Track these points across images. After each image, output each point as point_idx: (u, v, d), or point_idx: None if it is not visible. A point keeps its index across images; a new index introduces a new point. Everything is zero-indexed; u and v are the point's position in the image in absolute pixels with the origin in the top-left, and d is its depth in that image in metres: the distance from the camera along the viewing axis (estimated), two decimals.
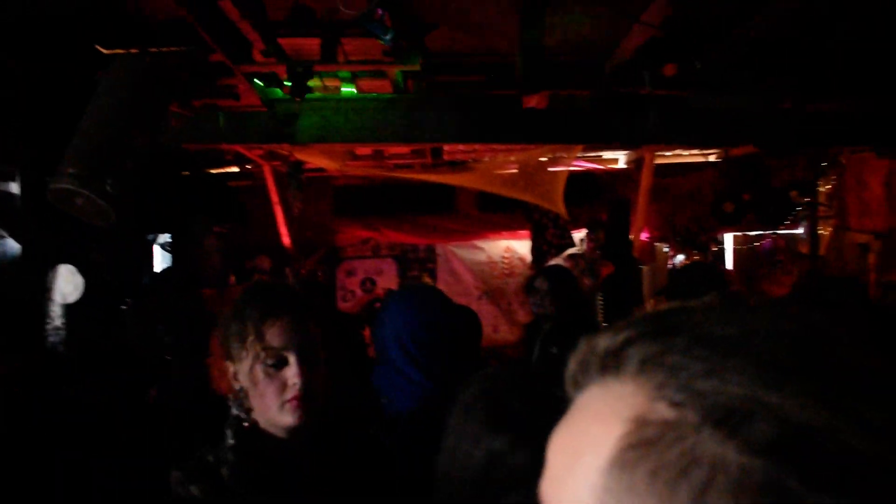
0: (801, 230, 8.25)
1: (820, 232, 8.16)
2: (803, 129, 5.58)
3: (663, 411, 0.42)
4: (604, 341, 0.48)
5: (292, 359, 1.58)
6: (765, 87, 5.15)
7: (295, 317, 1.62)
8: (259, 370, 1.58)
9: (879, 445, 0.37)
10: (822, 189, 8.11)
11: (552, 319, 3.23)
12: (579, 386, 0.50)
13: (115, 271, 5.38)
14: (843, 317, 0.46)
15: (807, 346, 0.42)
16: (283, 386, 1.58)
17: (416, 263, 8.93)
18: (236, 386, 1.62)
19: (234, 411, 1.62)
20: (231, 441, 1.60)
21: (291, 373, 1.58)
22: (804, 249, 8.24)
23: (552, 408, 0.53)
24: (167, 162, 6.15)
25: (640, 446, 0.42)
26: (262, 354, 1.57)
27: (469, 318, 2.79)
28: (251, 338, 1.58)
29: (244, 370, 1.60)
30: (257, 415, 1.61)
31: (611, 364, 0.47)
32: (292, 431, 1.60)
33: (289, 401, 1.57)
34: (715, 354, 0.42)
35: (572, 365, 0.51)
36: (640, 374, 0.45)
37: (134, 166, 3.30)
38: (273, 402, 1.58)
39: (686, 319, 0.46)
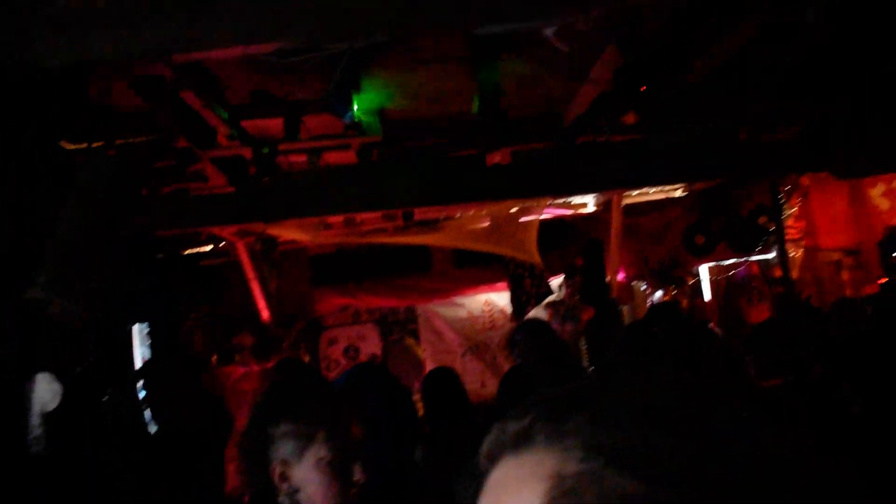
0: (773, 255, 8.37)
1: (792, 254, 8.27)
2: (761, 158, 5.71)
3: (575, 466, 0.54)
4: (513, 425, 0.60)
5: (358, 460, 1.60)
6: (719, 121, 5.30)
7: (359, 417, 1.64)
8: (323, 470, 1.57)
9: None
10: (788, 212, 8.25)
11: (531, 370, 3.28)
12: (494, 460, 0.61)
13: (97, 368, 5.33)
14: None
15: (654, 408, 0.56)
16: (348, 484, 1.58)
17: (398, 326, 8.93)
18: (284, 486, 1.59)
19: None
20: None
21: (357, 473, 1.59)
22: (778, 273, 8.34)
23: None
24: (140, 248, 6.16)
25: (565, 494, 0.53)
26: (330, 455, 1.57)
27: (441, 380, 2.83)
28: (320, 440, 1.58)
29: (302, 469, 1.58)
30: None
31: (522, 441, 0.58)
32: None
33: (351, 497, 1.58)
34: (601, 420, 0.55)
35: (487, 444, 0.63)
36: (549, 445, 0.56)
37: (110, 266, 3.31)
38: (333, 500, 1.57)
39: (574, 398, 0.59)
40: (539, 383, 2.97)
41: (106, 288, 3.23)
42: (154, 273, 6.53)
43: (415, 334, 8.84)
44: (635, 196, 7.93)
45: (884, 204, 8.26)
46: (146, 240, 6.23)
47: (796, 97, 5.22)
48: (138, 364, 6.78)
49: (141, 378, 6.34)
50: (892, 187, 8.18)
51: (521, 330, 3.69)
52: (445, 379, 3.28)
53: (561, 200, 7.69)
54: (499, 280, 8.58)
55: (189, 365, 6.73)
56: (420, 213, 7.40)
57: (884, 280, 7.29)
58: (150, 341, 6.78)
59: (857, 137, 5.78)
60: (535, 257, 7.21)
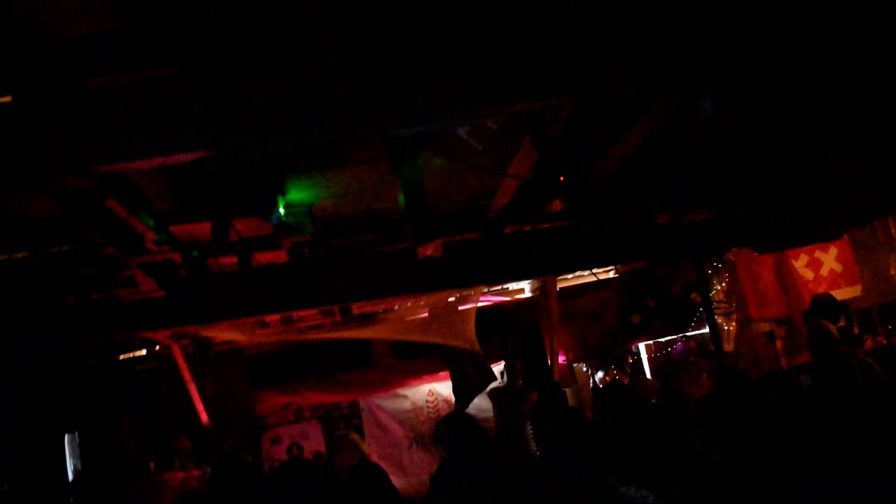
0: (707, 329, 8.54)
1: (727, 328, 8.45)
2: (681, 239, 5.91)
3: None
4: None
5: None
6: (641, 207, 5.51)
7: None
8: None
9: None
10: (719, 287, 8.47)
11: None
12: None
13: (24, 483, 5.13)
14: None
15: None
16: None
17: (341, 421, 8.79)
18: None
19: None
20: None
21: None
22: (713, 347, 8.50)
23: None
24: (70, 357, 6.01)
25: None
26: None
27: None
28: None
29: None
30: None
31: None
32: None
33: None
34: None
35: None
36: None
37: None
38: None
39: None
40: (464, 478, 2.97)
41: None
42: (85, 381, 6.37)
43: (358, 429, 8.71)
44: (569, 280, 8.09)
45: (808, 274, 8.55)
46: (76, 348, 6.10)
47: (713, 179, 5.45)
48: (70, 475, 6.53)
49: (72, 491, 6.11)
50: (814, 258, 8.50)
51: (443, 423, 3.67)
52: (372, 476, 3.24)
53: (497, 287, 7.80)
54: (441, 370, 8.56)
55: (120, 475, 6.52)
56: (358, 308, 7.40)
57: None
58: (80, 451, 6.55)
59: (774, 214, 6.05)
60: (475, 345, 7.24)
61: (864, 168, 5.33)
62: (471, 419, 3.75)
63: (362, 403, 8.80)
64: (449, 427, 3.56)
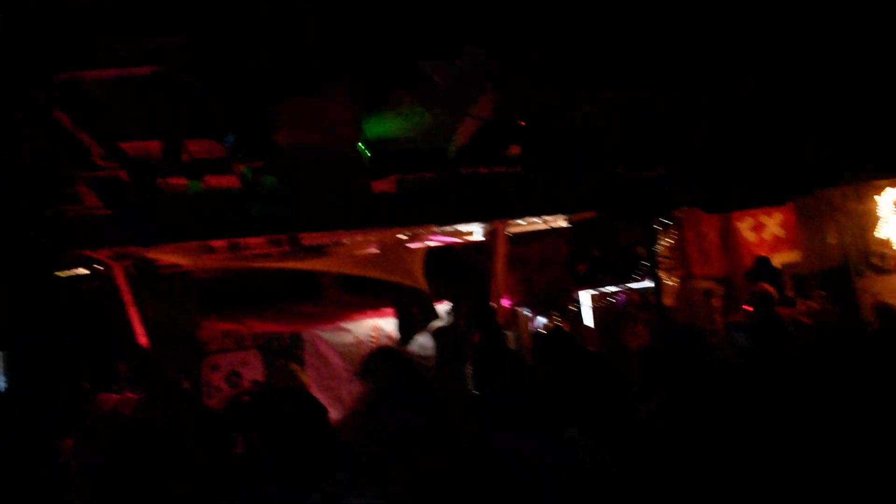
0: (652, 282, 8.74)
1: (667, 282, 8.66)
2: (637, 194, 5.99)
3: None
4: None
5: None
6: (597, 160, 5.54)
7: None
8: None
9: None
10: (664, 243, 8.64)
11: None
12: None
13: None
14: None
15: None
16: None
17: (283, 352, 8.77)
18: None
19: None
20: None
21: None
22: (654, 300, 8.71)
23: None
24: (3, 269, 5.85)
25: None
26: None
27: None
28: None
29: None
30: None
31: None
32: None
33: None
34: None
35: None
36: None
37: None
38: None
39: None
40: (391, 415, 2.99)
41: None
42: (17, 296, 6.20)
43: (299, 360, 8.70)
44: (521, 226, 8.12)
45: (751, 237, 8.81)
46: (10, 260, 5.93)
47: (669, 141, 5.51)
48: None
49: None
50: (759, 221, 8.74)
51: (373, 356, 3.60)
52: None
53: (449, 228, 7.79)
54: (386, 306, 8.58)
55: (48, 394, 6.41)
56: (307, 239, 7.34)
57: (748, 307, 7.73)
58: (7, 370, 6.41)
59: (724, 177, 6.16)
60: (422, 284, 7.27)
61: (810, 140, 5.44)
62: (402, 354, 3.71)
63: (305, 335, 8.77)
64: (379, 360, 3.53)
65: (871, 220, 8.54)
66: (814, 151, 5.71)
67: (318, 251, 7.46)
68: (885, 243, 8.49)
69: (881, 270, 8.57)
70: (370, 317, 8.84)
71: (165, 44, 3.19)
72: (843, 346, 5.40)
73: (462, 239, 8.21)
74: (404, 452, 2.81)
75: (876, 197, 8.33)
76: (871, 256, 8.73)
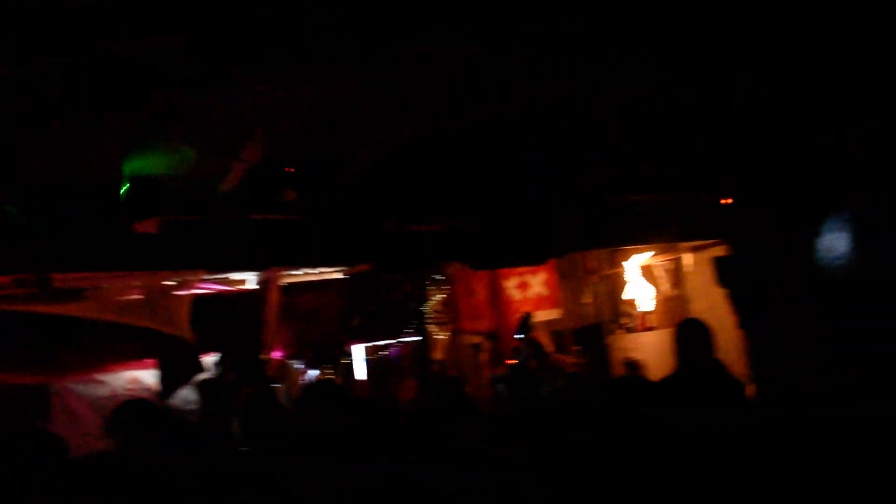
0: (424, 336, 8.97)
1: (438, 336, 8.94)
2: (407, 249, 6.16)
3: None
4: None
5: None
6: (371, 211, 5.65)
7: None
8: None
9: None
10: (437, 298, 8.93)
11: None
12: None
13: None
14: None
15: None
16: None
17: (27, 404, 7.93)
18: None
19: None
20: None
21: None
22: (427, 354, 8.95)
23: None
24: None
25: None
26: None
27: None
28: None
29: None
30: None
31: None
32: None
33: None
34: None
35: None
36: None
37: None
38: None
39: None
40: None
41: None
42: None
43: (45, 415, 7.91)
44: (296, 276, 8.04)
45: (517, 294, 9.38)
46: None
47: (443, 197, 5.76)
48: None
49: None
50: (523, 280, 9.34)
51: (120, 411, 3.35)
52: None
53: (220, 275, 7.54)
54: (147, 356, 8.06)
55: None
56: (61, 281, 6.76)
57: (512, 361, 8.17)
58: None
59: (489, 236, 6.53)
60: (188, 333, 6.93)
61: (563, 206, 5.92)
62: (151, 407, 3.50)
63: (53, 387, 8.01)
64: (124, 415, 3.29)
65: (619, 283, 9.41)
66: (567, 218, 6.21)
67: (72, 294, 6.89)
68: (631, 304, 9.37)
69: (628, 329, 9.44)
70: (129, 368, 8.24)
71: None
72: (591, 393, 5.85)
73: (233, 287, 7.97)
74: None
75: (623, 262, 9.20)
76: (619, 316, 9.60)
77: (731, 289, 4.37)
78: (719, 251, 5.81)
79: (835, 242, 3.69)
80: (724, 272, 4.60)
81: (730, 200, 5.02)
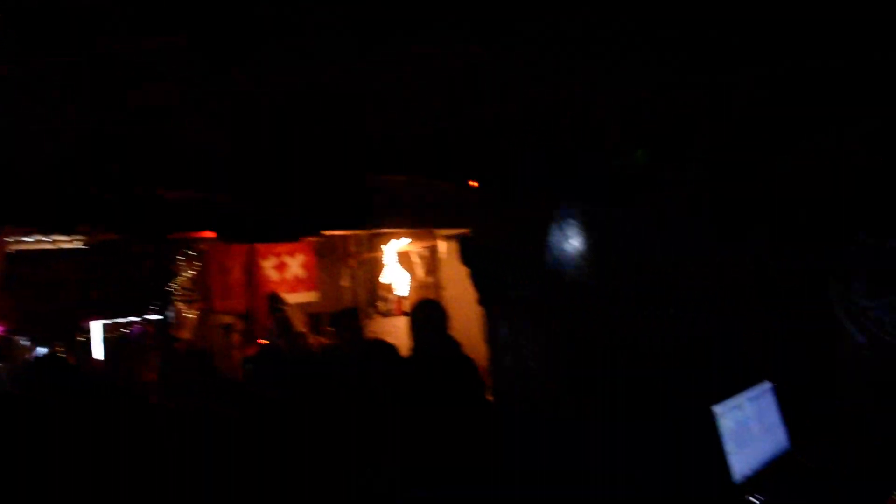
0: (170, 314, 8.56)
1: (186, 315, 8.57)
2: (159, 216, 5.78)
3: None
4: None
5: None
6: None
7: None
8: None
9: None
10: (187, 274, 8.56)
11: None
12: None
13: None
14: None
15: None
16: None
17: None
18: None
19: None
20: None
21: None
22: (173, 332, 8.55)
23: None
24: None
25: None
26: None
27: None
28: None
29: None
30: None
31: None
32: None
33: None
34: None
35: None
36: None
37: None
38: None
39: None
40: None
41: None
42: None
43: None
44: (29, 243, 7.31)
45: (274, 275, 9.20)
46: None
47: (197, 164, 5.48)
48: None
49: None
50: (281, 261, 9.19)
51: None
52: None
53: None
54: None
55: None
56: None
57: (262, 342, 8.03)
58: None
59: (244, 208, 6.32)
60: None
61: (321, 183, 5.89)
62: None
63: None
64: None
65: (378, 267, 9.56)
66: (324, 195, 6.16)
67: None
68: (388, 288, 9.56)
69: (384, 314, 9.62)
70: None
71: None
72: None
73: None
74: None
75: (382, 246, 9.36)
76: (376, 301, 9.76)
77: (471, 268, 4.64)
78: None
79: (563, 236, 4.05)
80: (467, 252, 4.88)
81: (476, 184, 5.27)
